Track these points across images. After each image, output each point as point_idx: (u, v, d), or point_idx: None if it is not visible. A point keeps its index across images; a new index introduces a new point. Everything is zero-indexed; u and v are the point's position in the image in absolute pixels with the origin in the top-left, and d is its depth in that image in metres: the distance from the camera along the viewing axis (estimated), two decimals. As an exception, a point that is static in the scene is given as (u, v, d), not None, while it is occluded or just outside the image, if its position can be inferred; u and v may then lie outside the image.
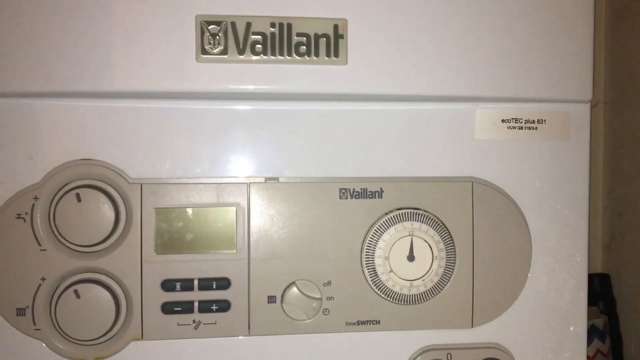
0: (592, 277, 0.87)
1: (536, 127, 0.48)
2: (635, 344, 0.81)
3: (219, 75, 0.42)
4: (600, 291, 0.85)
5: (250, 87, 0.43)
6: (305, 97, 0.45)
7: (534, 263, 0.48)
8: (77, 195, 0.43)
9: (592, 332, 0.78)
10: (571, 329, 0.50)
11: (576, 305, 0.50)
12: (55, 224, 0.42)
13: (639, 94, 0.80)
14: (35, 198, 0.43)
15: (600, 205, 0.89)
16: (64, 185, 0.43)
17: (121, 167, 0.44)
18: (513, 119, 0.48)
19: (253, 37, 0.42)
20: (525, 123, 0.48)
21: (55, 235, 0.43)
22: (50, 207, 0.43)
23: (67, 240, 0.43)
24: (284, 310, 0.45)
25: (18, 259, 0.43)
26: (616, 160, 0.86)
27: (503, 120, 0.47)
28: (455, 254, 0.47)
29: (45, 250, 0.43)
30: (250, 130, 0.45)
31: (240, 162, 0.45)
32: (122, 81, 0.42)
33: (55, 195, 0.43)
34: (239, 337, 0.45)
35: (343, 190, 0.46)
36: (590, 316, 0.79)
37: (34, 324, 0.43)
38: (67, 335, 0.43)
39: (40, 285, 0.43)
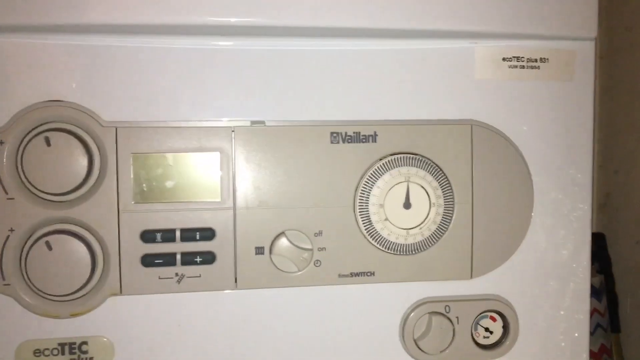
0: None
1: (539, 66, 0.45)
2: (631, 303, 0.80)
3: (200, 4, 0.39)
4: (596, 250, 0.84)
5: (233, 20, 0.39)
6: (293, 33, 0.41)
7: (536, 211, 0.46)
8: (46, 139, 0.39)
9: (588, 292, 0.76)
10: (573, 285, 0.47)
11: (579, 261, 0.48)
12: (23, 170, 0.39)
13: (636, 47, 0.78)
14: (1, 142, 0.39)
15: (595, 163, 0.87)
16: (32, 129, 0.40)
17: (94, 110, 0.41)
18: (514, 57, 0.45)
19: (236, -37, 0.39)
20: (527, 62, 0.45)
21: (23, 182, 0.39)
22: (17, 153, 0.39)
23: (36, 188, 0.39)
24: (272, 262, 0.43)
25: (-17, 209, 0.39)
26: (611, 117, 0.83)
27: (504, 59, 0.45)
28: (453, 201, 0.44)
29: (12, 199, 0.40)
30: (235, 69, 0.42)
31: (224, 104, 0.42)
32: (93, 13, 0.39)
33: (23, 139, 0.40)
34: (225, 291, 0.43)
35: (334, 134, 0.43)
36: (586, 275, 0.78)
37: (3, 278, 0.40)
38: (39, 290, 0.40)
39: (8, 237, 0.40)
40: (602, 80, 0.85)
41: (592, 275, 0.79)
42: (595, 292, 0.76)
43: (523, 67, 0.45)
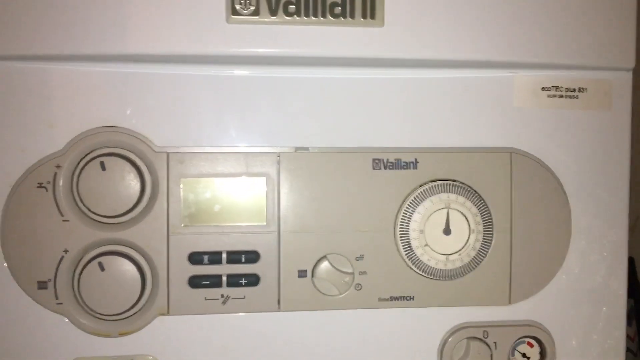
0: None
1: (577, 96, 0.46)
2: (662, 328, 0.80)
3: (250, 37, 0.40)
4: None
5: (282, 51, 0.41)
6: (338, 62, 0.43)
7: (574, 238, 0.47)
8: (102, 163, 0.41)
9: (618, 316, 0.76)
10: (609, 310, 0.48)
11: (615, 285, 0.48)
12: (78, 193, 0.41)
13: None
14: (58, 166, 0.41)
15: (624, 187, 0.87)
16: (88, 154, 0.41)
17: (147, 135, 0.42)
18: (553, 87, 0.46)
19: (286, -4, 0.40)
20: (565, 91, 0.46)
21: (78, 205, 0.41)
22: (73, 176, 0.41)
23: (90, 211, 0.41)
24: (314, 285, 0.44)
25: (39, 230, 0.41)
26: (641, 141, 0.83)
27: (543, 89, 0.45)
28: (493, 228, 0.45)
29: (67, 220, 0.41)
30: (280, 97, 0.43)
31: (270, 131, 0.43)
32: (147, 44, 0.40)
33: (79, 163, 0.41)
34: (269, 313, 0.44)
35: (376, 161, 0.44)
36: (615, 300, 0.78)
37: (56, 297, 0.41)
38: (90, 309, 0.41)
39: (62, 257, 0.41)
40: (634, 105, 0.85)
41: (622, 299, 0.79)
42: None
43: (562, 96, 0.46)
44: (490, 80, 0.45)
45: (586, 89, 0.46)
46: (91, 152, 0.41)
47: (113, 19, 0.40)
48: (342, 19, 0.41)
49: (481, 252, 0.45)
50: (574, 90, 0.46)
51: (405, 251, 0.44)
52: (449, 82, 0.45)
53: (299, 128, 0.44)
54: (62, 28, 0.40)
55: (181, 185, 0.42)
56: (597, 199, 0.47)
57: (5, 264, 0.41)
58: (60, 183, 0.41)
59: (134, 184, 0.41)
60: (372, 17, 0.41)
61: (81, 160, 0.41)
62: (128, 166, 0.41)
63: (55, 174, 0.41)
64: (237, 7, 0.40)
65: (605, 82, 0.46)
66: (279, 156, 0.43)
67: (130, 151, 0.42)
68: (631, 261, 0.84)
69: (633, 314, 0.79)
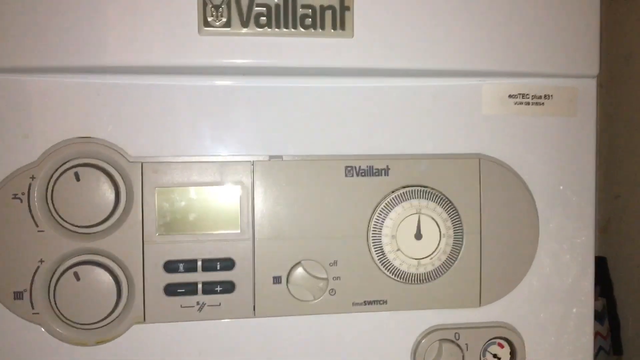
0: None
1: (543, 103, 0.47)
2: (633, 326, 0.81)
3: (222, 48, 0.41)
4: (598, 274, 0.85)
5: (254, 61, 0.42)
6: (310, 72, 0.44)
7: (541, 241, 0.48)
8: (76, 174, 0.41)
9: (591, 315, 0.78)
10: (578, 310, 0.49)
11: (583, 285, 0.49)
12: (53, 204, 0.41)
13: (635, 76, 0.80)
14: (32, 177, 0.41)
15: (596, 188, 0.89)
16: (62, 164, 0.42)
17: (121, 145, 0.43)
18: (520, 94, 0.47)
19: (257, 8, 0.41)
20: (532, 99, 0.47)
21: (53, 215, 0.41)
22: (47, 187, 0.41)
23: (65, 221, 0.41)
24: (289, 291, 0.44)
25: (15, 241, 0.41)
26: (612, 142, 0.85)
27: (510, 96, 0.47)
28: (462, 232, 0.46)
29: (43, 231, 0.42)
30: (254, 106, 0.44)
31: (244, 140, 0.44)
32: (120, 56, 0.41)
33: (53, 174, 0.41)
34: (244, 319, 0.44)
35: (349, 168, 0.45)
36: (588, 298, 0.79)
37: (32, 307, 0.42)
38: (66, 319, 0.41)
39: (38, 267, 0.42)
40: (604, 107, 0.87)
41: (594, 298, 0.81)
42: (597, 316, 0.78)
43: (528, 103, 0.47)
44: (459, 89, 0.46)
45: (552, 95, 0.47)
46: (65, 162, 0.42)
47: (87, 31, 0.40)
48: (313, 30, 0.42)
49: (452, 256, 0.46)
50: (540, 97, 0.47)
51: (377, 256, 0.45)
52: (418, 90, 0.46)
53: (273, 136, 0.44)
54: (37, 40, 0.40)
55: (156, 195, 0.43)
56: (564, 203, 0.48)
57: (-20, 275, 0.41)
58: (35, 194, 0.41)
59: (109, 194, 0.42)
60: (342, 28, 0.42)
61: (55, 171, 0.42)
62: (103, 176, 0.41)
63: (30, 185, 0.41)
64: (209, 19, 0.41)
65: (570, 89, 0.47)
66: (252, 164, 0.44)
67: (104, 161, 0.42)
68: (604, 261, 0.87)
69: (605, 312, 0.81)
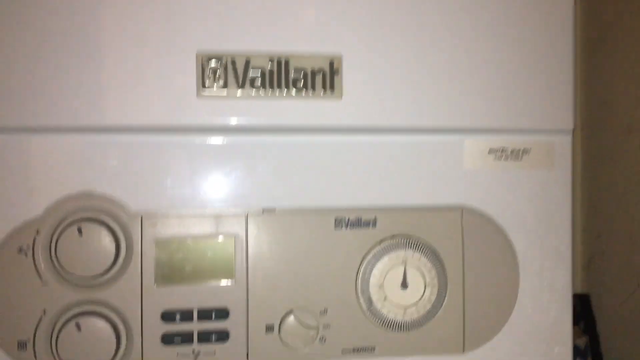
0: (572, 298, 0.89)
1: (521, 157, 0.50)
2: (616, 363, 0.84)
3: (219, 110, 0.44)
4: (581, 311, 0.88)
5: (249, 121, 0.44)
6: (302, 130, 0.46)
7: (522, 288, 0.50)
8: (79, 228, 0.43)
9: (574, 353, 0.80)
10: (557, 349, 0.52)
11: (562, 326, 0.52)
12: (57, 257, 0.43)
13: (612, 120, 0.83)
14: (37, 232, 0.43)
15: (579, 227, 0.92)
16: (65, 219, 0.44)
17: (121, 200, 0.45)
18: (499, 149, 0.50)
19: (252, 73, 0.44)
20: (511, 153, 0.50)
21: (56, 268, 0.43)
22: (51, 241, 0.43)
23: (68, 273, 0.43)
24: (281, 339, 0.46)
25: (19, 293, 0.43)
26: (593, 184, 0.89)
27: (490, 151, 0.49)
28: (446, 281, 0.48)
29: (46, 284, 0.43)
30: (248, 161, 0.46)
31: (238, 194, 0.46)
32: (122, 116, 0.43)
33: (57, 228, 0.43)
34: (238, 366, 0.46)
35: (338, 220, 0.47)
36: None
37: (35, 357, 0.43)
38: (67, 368, 0.43)
39: (41, 318, 0.43)
40: (585, 150, 0.90)
41: (578, 336, 0.83)
42: (580, 352, 0.80)
43: (507, 157, 0.50)
44: (443, 144, 0.49)
45: (530, 150, 0.50)
46: (68, 217, 0.44)
47: (90, 92, 0.43)
48: (304, 92, 0.44)
49: (436, 304, 0.48)
50: (518, 151, 0.50)
51: (366, 305, 0.47)
52: (404, 146, 0.48)
53: (266, 190, 0.47)
54: (41, 101, 0.43)
55: (154, 247, 0.45)
56: (543, 250, 0.51)
57: (-16, 326, 0.43)
58: (40, 249, 0.43)
59: (110, 247, 0.44)
60: (332, 90, 0.45)
61: (59, 225, 0.44)
62: (104, 230, 0.44)
63: (35, 239, 0.43)
64: (207, 82, 0.43)
65: (547, 144, 0.50)
66: (247, 217, 0.46)
67: (106, 215, 0.44)
68: (587, 298, 0.89)
69: (589, 348, 0.83)
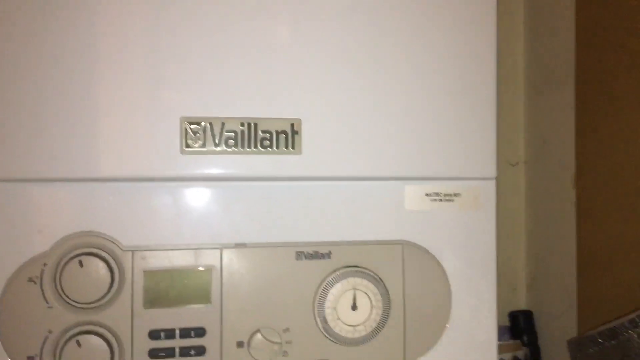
0: (517, 314, 0.99)
1: (453, 200, 0.60)
2: (553, 372, 0.94)
3: (199, 163, 0.53)
4: (524, 326, 0.98)
5: (224, 173, 0.54)
6: (268, 179, 0.55)
7: (454, 307, 0.60)
8: (80, 261, 0.52)
9: (515, 363, 0.90)
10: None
11: (489, 340, 0.61)
12: (61, 285, 0.51)
13: (550, 157, 0.94)
14: (44, 264, 0.52)
15: (523, 251, 1.02)
16: (68, 253, 0.52)
17: (116, 237, 0.53)
18: (434, 193, 0.59)
19: (227, 134, 0.53)
20: (444, 196, 0.59)
21: (60, 294, 0.52)
22: (56, 272, 0.52)
23: (70, 299, 0.52)
24: (250, 354, 0.55)
25: (29, 315, 0.52)
26: (535, 212, 0.99)
27: (427, 194, 0.59)
28: (390, 303, 0.58)
29: (51, 307, 0.52)
30: (223, 205, 0.55)
31: (214, 231, 0.55)
32: (118, 168, 0.52)
33: (61, 261, 0.52)
34: (213, 377, 0.55)
35: (299, 253, 0.57)
36: (514, 348, 0.92)
37: (41, 370, 0.52)
38: (69, 379, 0.52)
39: (47, 336, 0.52)
40: (528, 182, 1.01)
41: (519, 348, 0.93)
42: (521, 364, 0.90)
43: (441, 200, 0.59)
44: (387, 189, 0.58)
45: (460, 194, 0.60)
46: (71, 251, 0.52)
47: (92, 150, 0.52)
48: (270, 150, 0.54)
49: (381, 323, 0.57)
50: (450, 195, 0.60)
51: (321, 324, 0.56)
52: (354, 191, 0.58)
53: (238, 228, 0.56)
54: (51, 156, 0.51)
55: (143, 277, 0.54)
56: (472, 277, 0.60)
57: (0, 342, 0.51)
58: (47, 278, 0.52)
59: (105, 277, 0.52)
60: (293, 147, 0.54)
61: (63, 258, 0.52)
62: (101, 263, 0.52)
63: (42, 271, 0.52)
64: (189, 141, 0.52)
65: (474, 189, 0.60)
66: (221, 251, 0.55)
67: (102, 250, 0.53)
68: (529, 314, 0.99)
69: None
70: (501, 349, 0.70)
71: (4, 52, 0.51)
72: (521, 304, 1.03)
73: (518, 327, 0.98)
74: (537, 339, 0.97)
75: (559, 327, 0.93)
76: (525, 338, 0.97)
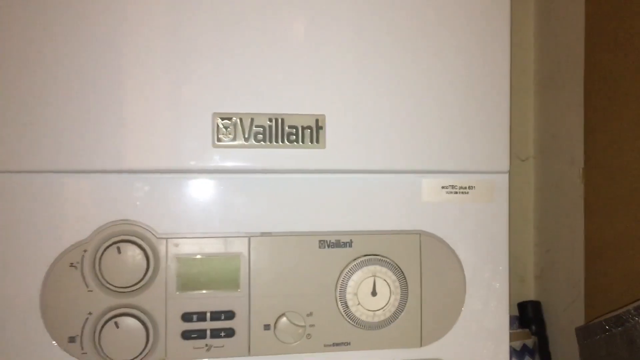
0: (525, 304, 1.03)
1: (468, 192, 0.63)
2: (561, 360, 0.97)
3: (229, 157, 0.56)
4: (533, 316, 1.01)
5: (252, 165, 0.57)
6: (293, 172, 0.59)
7: (468, 295, 0.63)
8: (118, 248, 0.55)
9: (524, 351, 0.93)
10: (496, 346, 0.64)
11: (501, 326, 0.64)
12: (100, 270, 0.55)
13: (559, 151, 0.97)
14: (85, 250, 0.55)
15: (532, 243, 1.05)
16: (107, 240, 0.56)
17: (151, 226, 0.57)
18: (450, 186, 0.62)
19: (255, 128, 0.56)
20: (459, 189, 0.63)
21: (99, 279, 0.55)
22: (96, 258, 0.55)
23: (109, 283, 0.55)
24: (276, 336, 0.59)
25: (70, 298, 0.55)
26: (544, 206, 1.02)
27: (442, 187, 0.62)
28: (407, 290, 0.61)
29: (91, 291, 0.55)
30: (251, 195, 0.59)
31: (243, 220, 0.59)
32: (156, 161, 0.55)
33: (100, 248, 0.55)
34: (241, 357, 0.58)
35: (322, 242, 0.60)
36: (523, 337, 0.95)
37: (82, 349, 0.55)
38: (108, 357, 0.55)
39: (87, 318, 0.55)
40: (537, 175, 1.04)
41: (528, 337, 0.96)
42: (530, 352, 0.93)
43: (457, 192, 0.63)
44: (405, 182, 0.62)
45: (474, 186, 0.63)
46: (110, 239, 0.56)
47: (133, 143, 0.55)
48: (296, 144, 0.57)
49: (399, 308, 0.61)
50: (465, 188, 0.63)
51: (343, 309, 0.60)
52: (374, 183, 0.61)
53: (265, 218, 0.59)
54: (95, 150, 0.55)
55: (176, 263, 0.57)
56: (485, 265, 0.63)
57: (43, 324, 0.55)
58: (87, 264, 0.55)
59: (142, 263, 0.56)
60: (317, 142, 0.57)
61: (102, 245, 0.56)
62: (137, 249, 0.56)
63: (83, 256, 0.55)
64: (220, 136, 0.56)
65: (488, 182, 0.63)
66: (249, 239, 0.59)
67: (138, 238, 0.56)
68: (538, 304, 1.02)
69: (537, 348, 0.96)
70: (510, 337, 0.73)
71: (44, 48, 0.54)
72: (530, 294, 1.06)
73: (527, 317, 1.01)
74: (545, 328, 1.00)
75: (566, 317, 0.96)
76: (533, 327, 1.00)
